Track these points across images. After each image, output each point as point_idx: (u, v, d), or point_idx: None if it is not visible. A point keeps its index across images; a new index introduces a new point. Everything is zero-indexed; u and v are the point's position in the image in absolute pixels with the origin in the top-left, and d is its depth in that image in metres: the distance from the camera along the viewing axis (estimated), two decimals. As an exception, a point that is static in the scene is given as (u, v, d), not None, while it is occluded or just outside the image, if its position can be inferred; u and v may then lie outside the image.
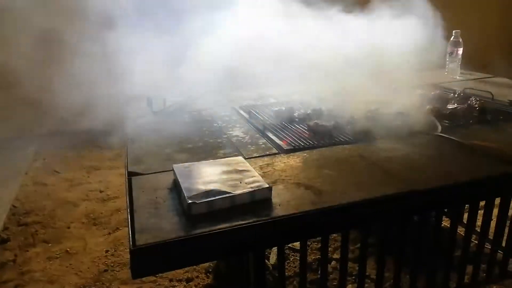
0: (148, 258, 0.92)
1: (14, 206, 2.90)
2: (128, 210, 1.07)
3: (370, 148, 1.49)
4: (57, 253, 2.40)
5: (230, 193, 1.10)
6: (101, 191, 3.15)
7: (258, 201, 1.11)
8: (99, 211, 2.87)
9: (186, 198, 1.06)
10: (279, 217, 1.03)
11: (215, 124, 1.86)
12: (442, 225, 1.57)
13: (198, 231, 0.97)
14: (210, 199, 1.07)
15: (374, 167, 1.32)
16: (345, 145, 1.52)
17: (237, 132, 1.75)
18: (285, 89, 2.51)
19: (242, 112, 2.04)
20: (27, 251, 2.42)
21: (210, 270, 2.27)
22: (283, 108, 1.89)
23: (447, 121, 1.74)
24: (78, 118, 4.44)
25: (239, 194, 1.10)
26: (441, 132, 1.62)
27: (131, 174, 1.30)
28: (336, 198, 1.11)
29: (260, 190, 1.12)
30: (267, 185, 1.14)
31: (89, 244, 2.48)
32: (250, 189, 1.12)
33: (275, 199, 1.12)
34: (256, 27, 2.09)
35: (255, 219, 1.02)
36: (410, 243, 1.43)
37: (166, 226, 1.00)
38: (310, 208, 1.07)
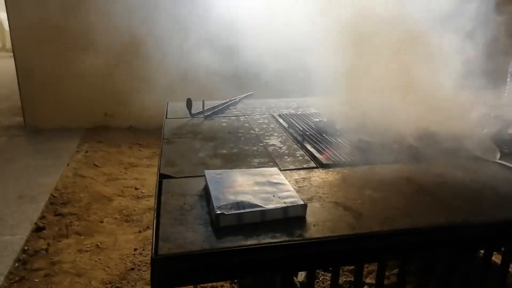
0: (169, 269, 0.87)
1: (53, 196, 2.99)
2: (155, 215, 1.03)
3: (419, 171, 1.36)
4: (88, 246, 2.43)
5: (261, 206, 1.03)
6: (136, 188, 3.19)
7: (291, 218, 1.03)
8: (132, 208, 2.89)
9: (215, 208, 1.00)
10: (313, 239, 0.94)
11: (252, 131, 1.80)
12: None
13: (225, 245, 0.91)
14: (239, 211, 1.00)
15: (423, 192, 1.20)
16: (390, 165, 1.40)
17: (274, 141, 1.67)
18: (327, 99, 2.41)
19: (281, 120, 1.97)
20: (60, 241, 2.46)
21: (236, 280, 2.20)
22: (325, 120, 1.80)
23: (506, 147, 1.57)
24: (121, 115, 4.59)
25: (271, 209, 1.02)
26: (499, 159, 1.46)
27: (162, 177, 1.26)
28: (378, 224, 1.00)
29: (294, 206, 1.04)
30: (302, 202, 1.05)
31: (119, 241, 2.49)
32: (283, 205, 1.04)
33: (309, 218, 1.03)
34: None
35: (286, 239, 0.94)
36: (456, 278, 1.29)
37: (191, 236, 0.94)
38: (348, 232, 0.97)
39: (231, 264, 0.91)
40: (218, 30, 3.04)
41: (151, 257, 0.86)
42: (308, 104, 2.34)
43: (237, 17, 2.39)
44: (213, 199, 1.04)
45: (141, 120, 4.59)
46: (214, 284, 2.15)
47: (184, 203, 1.09)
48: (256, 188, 1.13)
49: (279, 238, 0.94)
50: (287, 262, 0.96)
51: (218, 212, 0.99)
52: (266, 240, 0.93)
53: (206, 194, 1.15)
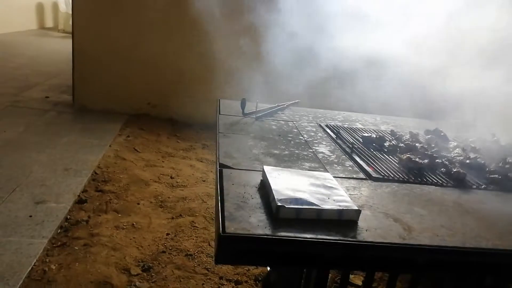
0: (233, 247, 0.95)
1: (95, 173, 3.15)
2: (219, 198, 1.11)
3: (465, 196, 1.39)
4: (124, 224, 2.55)
5: (318, 205, 1.10)
6: (171, 177, 3.31)
7: (344, 221, 1.09)
8: (166, 195, 3.02)
9: (276, 200, 1.08)
10: (366, 242, 1.00)
11: (301, 137, 1.87)
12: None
13: (284, 234, 0.98)
14: (298, 206, 1.08)
15: (468, 216, 1.23)
16: (437, 187, 1.44)
17: (323, 149, 1.74)
18: (372, 117, 2.47)
19: (328, 130, 2.04)
20: (100, 215, 2.61)
21: (260, 278, 2.27)
22: (373, 136, 1.85)
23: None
24: (163, 106, 4.76)
25: (327, 210, 1.09)
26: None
27: (222, 166, 1.35)
28: (428, 239, 1.05)
29: (349, 210, 1.10)
30: (356, 207, 1.12)
31: (153, 224, 2.61)
32: (338, 207, 1.11)
33: (361, 223, 1.09)
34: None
35: (341, 238, 1.00)
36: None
37: (254, 221, 1.02)
38: (398, 241, 1.03)
39: (287, 253, 0.99)
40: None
41: (219, 234, 0.95)
42: (353, 118, 2.40)
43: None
44: (273, 192, 1.12)
45: (181, 113, 4.75)
46: (239, 278, 2.23)
47: (245, 192, 1.18)
48: (312, 188, 1.20)
49: (334, 236, 1.00)
50: (337, 260, 1.02)
51: (279, 204, 1.06)
52: (322, 236, 1.00)
53: (264, 188, 1.23)
